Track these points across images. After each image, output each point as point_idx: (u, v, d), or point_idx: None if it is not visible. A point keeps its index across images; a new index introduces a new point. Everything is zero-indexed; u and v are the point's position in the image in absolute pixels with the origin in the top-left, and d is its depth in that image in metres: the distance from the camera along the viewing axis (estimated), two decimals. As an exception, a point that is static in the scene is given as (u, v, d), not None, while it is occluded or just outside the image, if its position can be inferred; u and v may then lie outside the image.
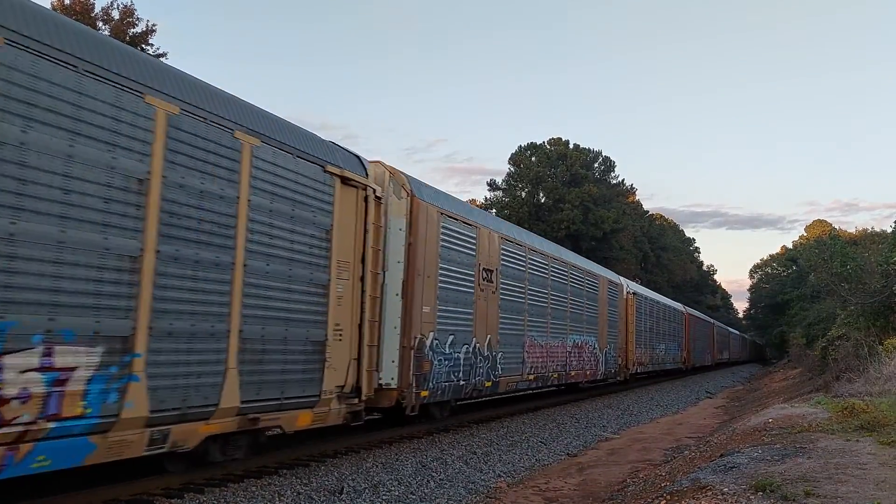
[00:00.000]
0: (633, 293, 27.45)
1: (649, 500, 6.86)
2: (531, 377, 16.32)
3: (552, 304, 18.00)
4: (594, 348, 21.54)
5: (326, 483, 8.18)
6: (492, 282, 14.04)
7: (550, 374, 17.69)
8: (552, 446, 12.27)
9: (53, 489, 6.75)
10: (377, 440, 11.13)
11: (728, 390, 31.56)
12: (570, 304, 19.52)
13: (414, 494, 8.12)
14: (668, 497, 6.53)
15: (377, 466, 9.34)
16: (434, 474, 9.19)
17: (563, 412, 17.57)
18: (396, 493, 8.06)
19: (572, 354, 19.38)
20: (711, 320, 57.78)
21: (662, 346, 33.21)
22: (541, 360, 16.95)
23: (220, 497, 7.28)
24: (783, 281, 75.22)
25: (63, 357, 5.76)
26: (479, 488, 8.70)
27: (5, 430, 5.34)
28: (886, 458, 7.33)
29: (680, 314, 39.86)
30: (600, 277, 23.22)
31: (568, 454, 11.67)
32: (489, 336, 13.89)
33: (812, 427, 9.83)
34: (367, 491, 8.01)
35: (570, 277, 19.74)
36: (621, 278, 27.77)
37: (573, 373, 19.55)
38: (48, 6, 6.44)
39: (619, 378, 25.54)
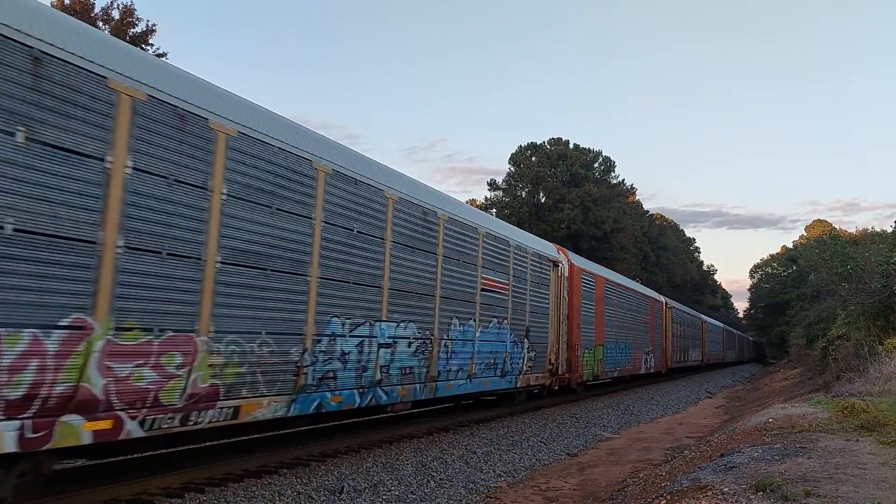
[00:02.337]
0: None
1: (649, 500, 6.86)
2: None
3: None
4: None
5: (326, 483, 8.18)
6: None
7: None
8: (552, 446, 12.26)
9: (53, 489, 6.74)
10: (377, 440, 11.13)
11: (728, 390, 31.59)
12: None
13: (414, 494, 8.11)
14: (668, 497, 6.53)
15: (377, 466, 9.34)
16: (434, 474, 9.18)
17: (564, 412, 17.58)
18: (396, 493, 8.06)
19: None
20: (662, 297, 35.55)
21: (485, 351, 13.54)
22: None
23: (220, 497, 7.27)
24: (783, 281, 75.29)
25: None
26: (479, 488, 8.70)
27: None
28: (886, 457, 7.33)
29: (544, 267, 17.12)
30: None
31: (568, 454, 11.67)
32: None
33: (812, 427, 9.83)
34: (367, 490, 8.01)
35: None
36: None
37: None
38: (47, 5, 6.44)
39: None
